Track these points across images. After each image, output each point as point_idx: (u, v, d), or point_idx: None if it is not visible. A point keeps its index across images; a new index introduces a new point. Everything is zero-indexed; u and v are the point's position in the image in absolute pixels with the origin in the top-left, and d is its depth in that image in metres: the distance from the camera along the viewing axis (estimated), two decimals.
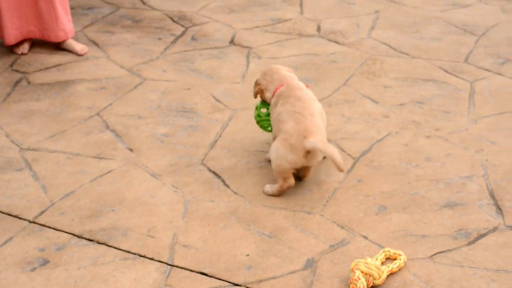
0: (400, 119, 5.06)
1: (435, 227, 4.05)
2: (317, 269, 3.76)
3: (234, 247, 3.92)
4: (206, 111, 5.19)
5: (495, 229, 4.03)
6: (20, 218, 4.17)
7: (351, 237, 3.98)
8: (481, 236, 3.98)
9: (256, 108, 4.61)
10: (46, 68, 5.83)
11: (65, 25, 5.94)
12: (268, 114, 4.54)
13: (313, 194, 4.33)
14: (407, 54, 6.00)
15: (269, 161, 4.41)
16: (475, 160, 4.62)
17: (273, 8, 6.97)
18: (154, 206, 4.25)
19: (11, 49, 6.08)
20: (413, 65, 5.83)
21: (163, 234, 4.03)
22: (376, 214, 4.16)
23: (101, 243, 3.97)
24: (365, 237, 3.98)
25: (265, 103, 4.58)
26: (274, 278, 3.72)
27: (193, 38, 6.33)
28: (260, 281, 3.70)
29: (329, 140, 4.76)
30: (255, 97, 4.62)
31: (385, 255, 3.80)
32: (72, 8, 6.76)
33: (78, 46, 6.07)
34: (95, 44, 6.24)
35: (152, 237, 4.01)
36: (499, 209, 4.18)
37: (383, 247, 3.89)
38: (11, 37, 5.87)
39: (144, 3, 7.10)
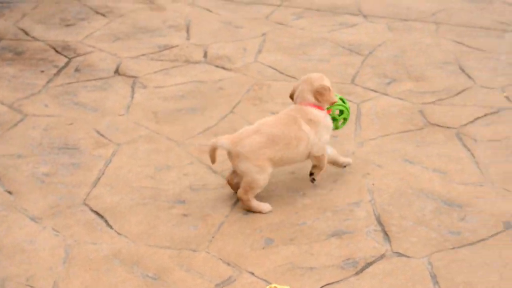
0: None
1: (323, 257, 4.00)
2: None
3: None
4: (89, 147, 5.04)
5: (382, 256, 4.00)
6: None
7: (238, 274, 3.89)
8: (369, 264, 3.95)
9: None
10: None
11: None
12: None
13: (199, 230, 4.23)
14: (294, 78, 5.97)
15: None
16: (362, 185, 4.60)
17: (159, 35, 6.86)
18: (33, 253, 4.07)
19: None
20: None
21: (43, 283, 3.86)
22: (263, 248, 4.08)
23: None
24: (252, 273, 3.89)
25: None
26: None
27: (77, 69, 6.16)
28: None
29: (214, 173, 4.69)
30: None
31: None
32: None
33: None
34: None
35: (31, 286, 3.83)
36: (386, 235, 4.16)
37: (270, 283, 3.82)
38: None
39: (27, 33, 6.89)
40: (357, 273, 3.89)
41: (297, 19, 7.25)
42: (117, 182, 4.66)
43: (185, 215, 4.34)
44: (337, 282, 3.83)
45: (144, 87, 5.86)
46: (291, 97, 4.58)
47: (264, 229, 4.22)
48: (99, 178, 4.70)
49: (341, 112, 4.63)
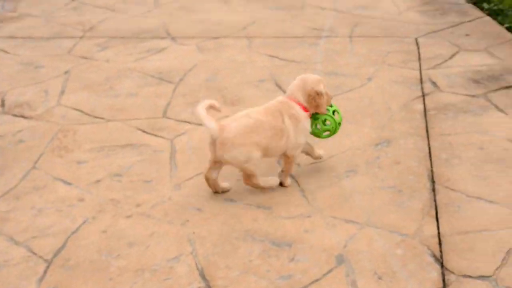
0: (97, 200, 4.54)
1: None
2: None
3: None
4: None
5: None
6: None
7: None
8: None
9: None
10: None
11: None
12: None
13: None
14: (102, 118, 5.49)
15: None
16: (182, 235, 4.19)
17: None
18: None
19: None
20: (109, 130, 5.33)
21: None
22: None
23: None
24: None
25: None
26: None
27: None
28: None
29: (16, 243, 4.16)
30: None
31: None
32: None
33: None
34: None
35: None
36: None
37: None
38: None
39: None
40: None
41: (101, 51, 6.77)
42: None
43: None
44: None
45: None
46: None
47: None
48: None
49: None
